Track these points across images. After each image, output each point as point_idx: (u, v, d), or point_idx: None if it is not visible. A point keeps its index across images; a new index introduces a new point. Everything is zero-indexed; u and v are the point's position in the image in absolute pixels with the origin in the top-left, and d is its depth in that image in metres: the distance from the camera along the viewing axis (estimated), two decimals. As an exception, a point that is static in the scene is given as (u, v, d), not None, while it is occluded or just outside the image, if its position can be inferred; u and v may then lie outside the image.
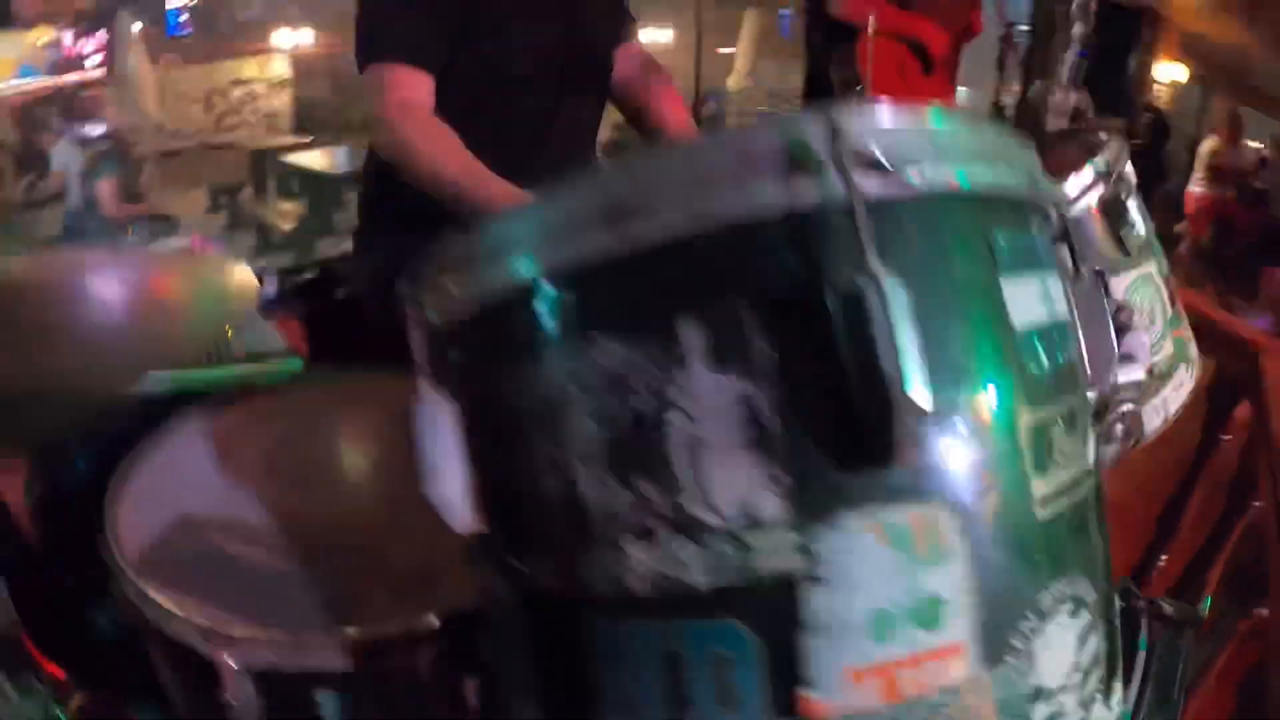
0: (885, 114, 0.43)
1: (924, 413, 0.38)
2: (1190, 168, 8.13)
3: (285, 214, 7.56)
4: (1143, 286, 0.99)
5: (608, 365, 0.42)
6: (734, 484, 0.40)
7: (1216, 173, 7.76)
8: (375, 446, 1.14)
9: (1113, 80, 6.05)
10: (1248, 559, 1.38)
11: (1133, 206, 0.98)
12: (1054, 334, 0.48)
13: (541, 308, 0.45)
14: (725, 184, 0.40)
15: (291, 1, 13.70)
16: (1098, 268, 0.82)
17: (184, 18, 13.47)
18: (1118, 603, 0.61)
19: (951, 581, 0.42)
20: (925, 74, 2.92)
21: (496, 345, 0.49)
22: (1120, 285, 0.95)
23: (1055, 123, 1.40)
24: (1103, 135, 1.05)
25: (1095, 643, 0.50)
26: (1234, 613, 1.33)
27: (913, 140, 0.43)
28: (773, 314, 0.40)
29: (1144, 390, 0.86)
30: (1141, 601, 0.78)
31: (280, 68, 13.88)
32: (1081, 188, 0.92)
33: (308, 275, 2.12)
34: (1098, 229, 0.93)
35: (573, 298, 0.44)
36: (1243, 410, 1.56)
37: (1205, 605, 1.38)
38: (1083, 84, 5.09)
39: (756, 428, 0.40)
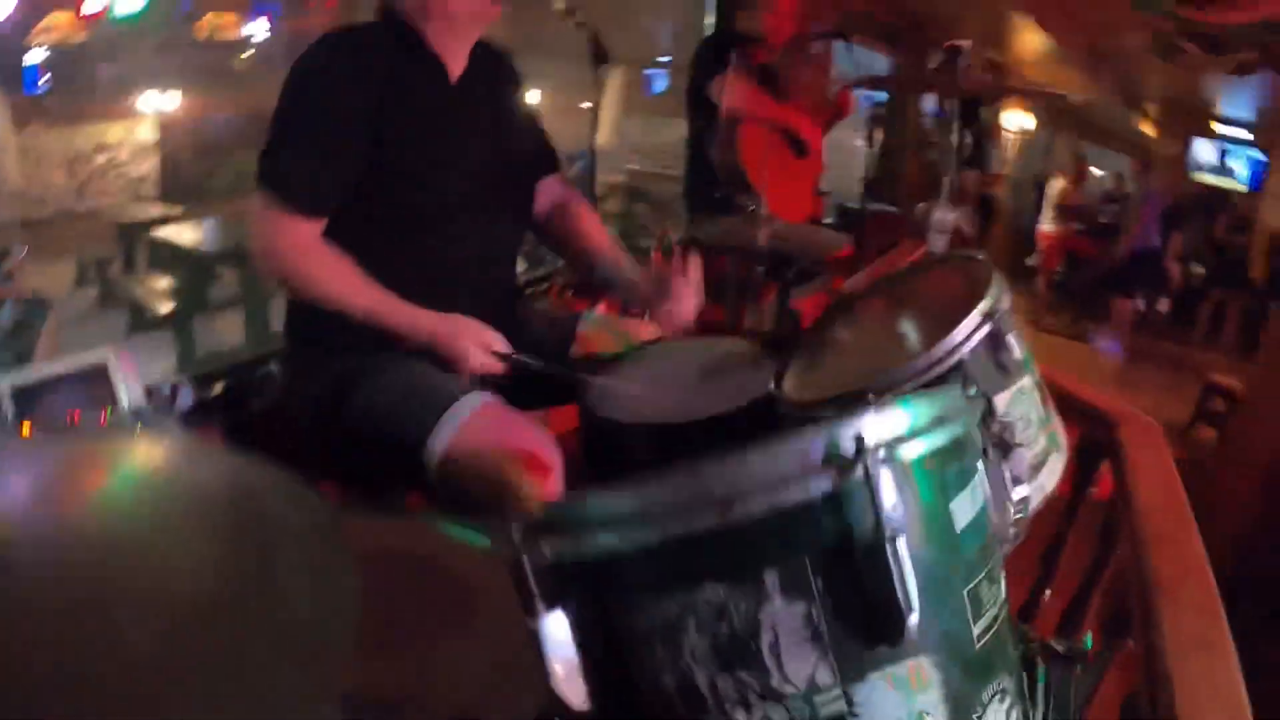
0: (887, 415, 0.65)
1: (916, 611, 0.60)
2: (1040, 206, 8.72)
3: (157, 291, 7.12)
4: (1020, 399, 1.14)
5: (712, 600, 0.62)
6: (802, 665, 0.62)
7: (1064, 211, 8.37)
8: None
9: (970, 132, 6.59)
10: (1117, 598, 1.63)
11: (1011, 334, 1.14)
12: (981, 518, 0.70)
13: (657, 564, 0.65)
14: (790, 479, 0.62)
15: (158, 62, 13.38)
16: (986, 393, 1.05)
17: (44, 77, 12.98)
18: (1024, 679, 0.82)
19: (931, 700, 0.64)
20: (798, 157, 3.19)
21: (612, 586, 0.68)
22: (1002, 403, 1.10)
23: (938, 240, 1.62)
24: (982, 267, 1.24)
25: (1016, 712, 0.73)
26: (1110, 646, 1.58)
27: (905, 427, 0.66)
28: (823, 560, 0.62)
29: (1029, 503, 1.08)
30: (1036, 643, 1.00)
31: (146, 132, 13.51)
32: (970, 329, 1.07)
33: (220, 387, 2.14)
34: (982, 358, 1.14)
35: (683, 558, 0.64)
36: (1105, 469, 1.83)
37: (1087, 640, 1.62)
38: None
39: (815, 629, 0.61)
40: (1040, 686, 0.94)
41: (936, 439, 0.69)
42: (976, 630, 0.68)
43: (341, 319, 1.46)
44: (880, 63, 7.00)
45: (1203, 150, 12.17)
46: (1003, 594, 0.73)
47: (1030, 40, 7.09)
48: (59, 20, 11.79)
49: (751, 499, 0.61)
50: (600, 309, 1.95)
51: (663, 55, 18.45)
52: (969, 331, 1.07)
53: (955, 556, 0.68)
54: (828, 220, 5.19)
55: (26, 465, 0.68)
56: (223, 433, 1.99)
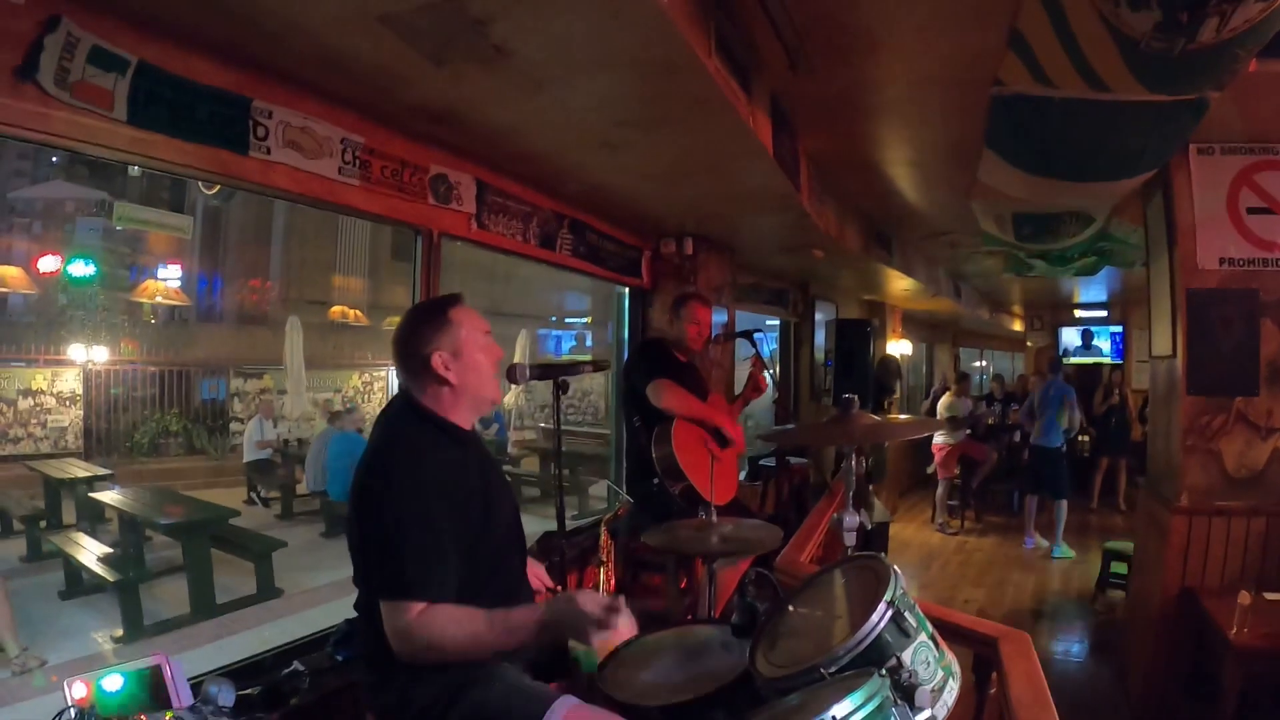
0: (846, 701, 1.13)
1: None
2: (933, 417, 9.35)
3: (92, 551, 6.97)
4: (920, 650, 1.57)
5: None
6: None
7: (952, 422, 8.98)
8: None
9: (858, 370, 7.38)
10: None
11: (907, 610, 1.61)
12: None
13: None
14: None
15: (93, 316, 13.68)
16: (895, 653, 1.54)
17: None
18: None
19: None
20: (723, 447, 3.74)
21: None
22: (907, 656, 1.53)
23: (849, 537, 2.13)
24: (882, 564, 1.73)
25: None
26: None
27: (854, 706, 1.16)
28: None
29: (935, 718, 1.53)
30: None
31: (71, 381, 13.62)
32: (880, 615, 1.53)
33: (257, 688, 2.43)
34: (891, 630, 1.61)
35: None
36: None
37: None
38: (833, 382, 6.35)
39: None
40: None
41: (869, 708, 1.19)
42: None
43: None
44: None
45: (1069, 336, 13.48)
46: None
47: (899, 281, 8.03)
48: (11, 274, 12.04)
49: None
50: None
51: (572, 316, 19.60)
52: (879, 617, 1.55)
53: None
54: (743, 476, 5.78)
55: None
56: None
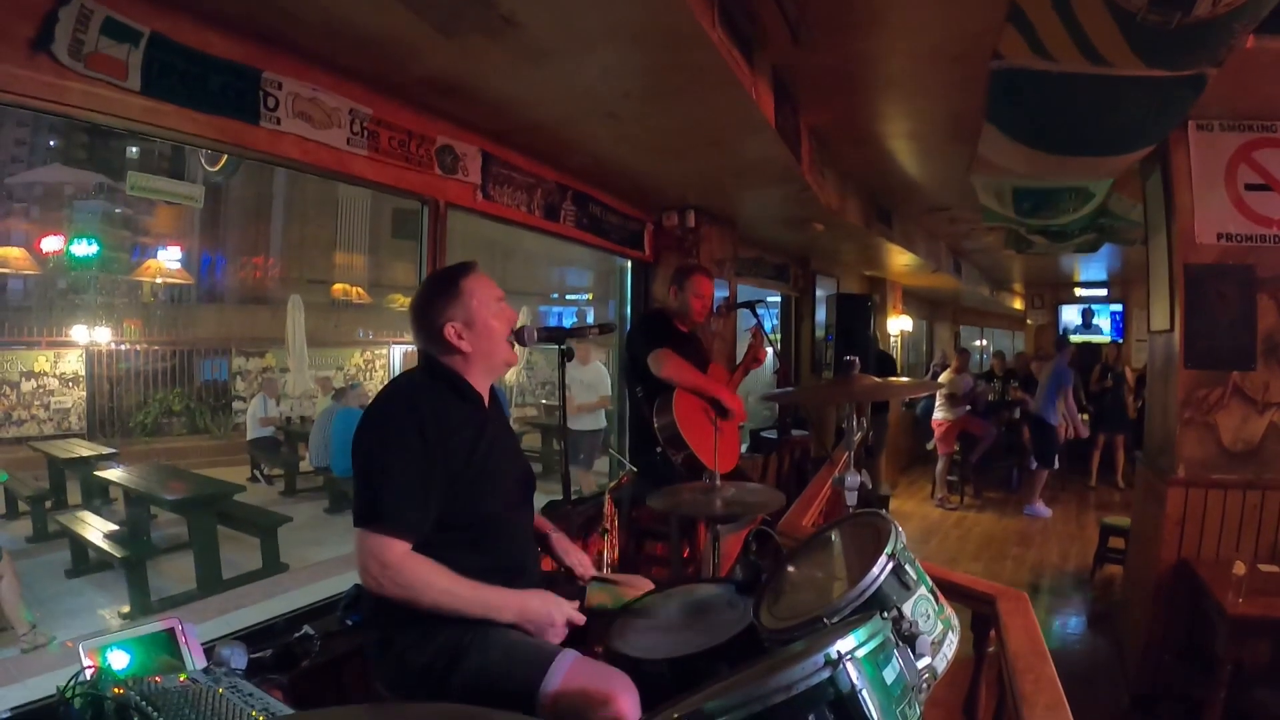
0: (849, 637, 1.17)
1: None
2: (932, 396, 9.47)
3: (98, 529, 6.94)
4: (920, 603, 1.63)
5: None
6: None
7: (953, 398, 9.04)
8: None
9: (858, 345, 7.41)
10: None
11: (908, 564, 1.67)
12: (900, 677, 1.24)
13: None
14: (808, 675, 1.12)
15: (94, 297, 13.70)
16: (896, 605, 1.59)
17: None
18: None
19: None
20: (722, 418, 3.76)
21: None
22: (908, 608, 1.59)
23: (850, 497, 2.18)
24: (883, 519, 1.79)
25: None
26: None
27: (857, 642, 1.18)
28: (830, 711, 1.11)
29: (935, 669, 1.59)
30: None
31: (74, 363, 13.65)
32: (881, 567, 1.59)
33: (269, 651, 2.37)
34: (891, 583, 1.67)
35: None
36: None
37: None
38: (833, 355, 6.37)
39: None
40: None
41: (872, 644, 1.23)
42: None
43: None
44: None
45: (1069, 314, 13.53)
46: (918, 713, 1.26)
47: (900, 257, 8.05)
48: (13, 254, 12.04)
49: (792, 687, 1.11)
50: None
51: (574, 292, 19.59)
52: (880, 569, 1.61)
53: (890, 696, 1.18)
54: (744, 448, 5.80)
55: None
56: (284, 688, 2.30)
